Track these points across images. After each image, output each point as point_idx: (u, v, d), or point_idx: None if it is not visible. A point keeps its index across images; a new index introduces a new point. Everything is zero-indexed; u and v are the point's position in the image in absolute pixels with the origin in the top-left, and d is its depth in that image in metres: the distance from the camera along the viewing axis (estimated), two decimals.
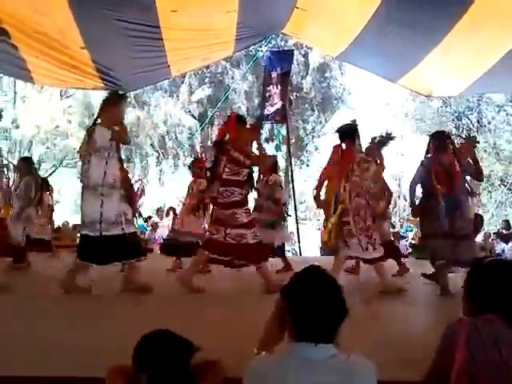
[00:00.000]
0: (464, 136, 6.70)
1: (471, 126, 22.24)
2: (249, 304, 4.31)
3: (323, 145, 22.48)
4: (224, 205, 5.01)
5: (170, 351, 1.76)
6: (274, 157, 7.75)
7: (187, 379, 1.77)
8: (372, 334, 3.18)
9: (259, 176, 6.84)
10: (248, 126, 5.37)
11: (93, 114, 20.12)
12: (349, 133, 5.29)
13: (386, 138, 5.98)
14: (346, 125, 5.44)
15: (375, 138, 6.20)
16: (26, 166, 7.39)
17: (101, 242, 4.61)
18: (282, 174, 8.29)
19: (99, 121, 4.89)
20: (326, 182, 5.40)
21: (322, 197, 5.42)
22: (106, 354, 2.32)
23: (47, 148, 20.72)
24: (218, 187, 5.08)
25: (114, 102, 4.93)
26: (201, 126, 19.11)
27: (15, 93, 20.68)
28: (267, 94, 10.45)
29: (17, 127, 19.59)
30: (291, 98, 18.43)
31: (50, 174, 19.60)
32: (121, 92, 5.17)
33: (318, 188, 5.46)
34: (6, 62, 8.13)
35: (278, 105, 10.29)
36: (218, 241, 4.97)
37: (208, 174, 5.42)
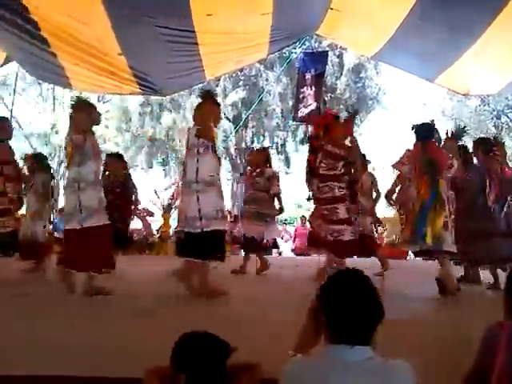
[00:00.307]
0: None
1: (511, 124, 21.69)
2: (279, 303, 4.33)
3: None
4: (324, 200, 5.12)
5: (207, 351, 1.78)
6: (266, 149, 7.81)
7: (224, 380, 1.79)
8: (408, 337, 3.16)
9: (252, 168, 6.98)
10: (342, 121, 5.49)
11: (130, 119, 20.58)
12: (430, 132, 5.34)
13: (461, 131, 5.90)
14: (424, 124, 5.45)
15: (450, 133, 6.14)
16: (38, 162, 7.29)
17: (201, 237, 4.63)
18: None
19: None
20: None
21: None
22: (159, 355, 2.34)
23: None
24: (317, 184, 5.21)
25: (208, 102, 5.02)
26: (235, 128, 19.20)
27: (54, 98, 21.19)
28: (301, 96, 10.44)
29: (56, 132, 20.06)
30: (325, 99, 18.37)
31: None
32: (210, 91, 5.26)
33: (394, 186, 5.67)
34: (45, 70, 8.36)
35: (312, 106, 10.26)
36: (319, 236, 5.15)
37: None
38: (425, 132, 5.32)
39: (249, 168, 7.29)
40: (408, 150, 5.35)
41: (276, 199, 6.84)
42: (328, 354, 1.66)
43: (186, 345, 1.80)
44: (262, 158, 7.05)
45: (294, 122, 12.30)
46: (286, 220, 19.32)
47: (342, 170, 5.26)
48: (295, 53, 10.63)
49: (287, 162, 22.02)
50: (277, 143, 21.77)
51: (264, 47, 8.18)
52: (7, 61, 8.59)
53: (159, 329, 3.10)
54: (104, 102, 21.14)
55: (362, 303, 1.63)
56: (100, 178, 6.34)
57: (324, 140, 5.30)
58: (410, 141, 5.67)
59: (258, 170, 6.88)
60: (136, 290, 5.11)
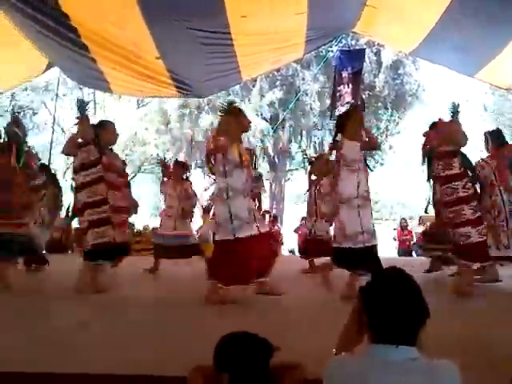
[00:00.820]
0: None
1: None
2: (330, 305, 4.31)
3: (398, 144, 21.96)
4: (449, 203, 5.09)
5: (250, 351, 1.79)
6: (252, 150, 7.81)
7: (266, 380, 1.79)
8: (453, 335, 3.10)
9: None
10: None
11: (169, 121, 20.87)
12: (503, 137, 5.85)
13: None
14: (496, 130, 6.05)
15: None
16: (45, 174, 7.21)
17: (359, 253, 4.69)
18: None
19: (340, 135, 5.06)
20: None
21: None
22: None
23: (126, 155, 21.53)
24: (438, 187, 5.23)
25: (356, 115, 5.10)
26: (273, 128, 19.21)
27: (95, 103, 21.67)
28: (338, 94, 10.37)
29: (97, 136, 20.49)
30: (363, 96, 18.18)
31: (131, 179, 20.32)
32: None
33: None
34: (85, 75, 8.56)
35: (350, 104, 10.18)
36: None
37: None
38: (499, 138, 5.84)
39: None
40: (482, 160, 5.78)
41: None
42: (369, 354, 1.66)
43: (229, 345, 1.81)
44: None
45: (332, 121, 12.23)
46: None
47: (462, 169, 5.16)
48: (332, 51, 10.56)
49: None
50: (314, 142, 21.68)
51: (300, 47, 8.16)
52: (49, 67, 8.82)
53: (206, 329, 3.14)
54: (143, 106, 21.48)
55: (404, 303, 1.61)
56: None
57: (438, 140, 5.26)
58: None
59: None
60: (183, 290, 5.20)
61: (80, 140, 5.42)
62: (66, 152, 5.56)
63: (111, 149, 5.78)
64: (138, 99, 19.98)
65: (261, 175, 7.03)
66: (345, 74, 10.19)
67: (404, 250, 14.55)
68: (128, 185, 6.52)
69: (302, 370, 1.96)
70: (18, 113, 22.09)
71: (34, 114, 22.19)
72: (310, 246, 7.01)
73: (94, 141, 5.39)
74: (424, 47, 7.65)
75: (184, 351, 2.65)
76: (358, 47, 14.65)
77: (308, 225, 7.33)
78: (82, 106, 5.51)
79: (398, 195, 29.37)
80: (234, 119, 4.81)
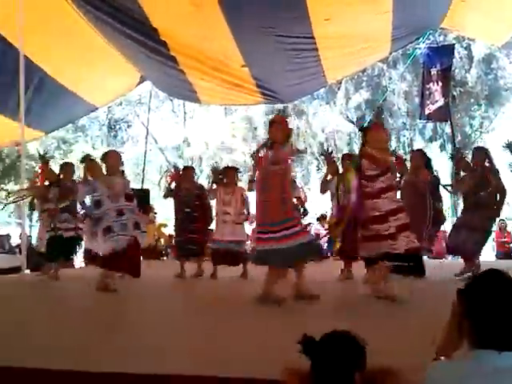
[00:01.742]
0: None
1: None
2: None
3: (492, 141, 20.90)
4: None
5: (345, 353, 1.77)
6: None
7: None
8: None
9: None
10: None
11: (255, 128, 21.18)
12: None
13: None
14: None
15: None
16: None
17: None
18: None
19: None
20: None
21: None
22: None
23: (215, 163, 22.05)
24: None
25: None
26: (360, 130, 18.97)
27: (185, 113, 22.41)
28: (427, 92, 10.06)
29: (188, 145, 21.18)
30: (454, 93, 17.49)
31: None
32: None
33: None
34: (175, 86, 8.93)
35: (440, 102, 9.84)
36: None
37: None
38: None
39: None
40: None
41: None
42: (473, 360, 1.59)
43: (324, 345, 1.79)
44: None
45: (421, 120, 11.89)
46: None
47: None
48: (419, 48, 10.26)
49: None
50: (403, 143, 21.13)
51: (386, 46, 8.04)
52: (142, 80, 9.28)
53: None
54: (230, 114, 21.93)
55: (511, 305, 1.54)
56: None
57: None
58: None
59: None
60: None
61: None
62: None
63: None
64: (226, 108, 20.42)
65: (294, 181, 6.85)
66: (434, 72, 9.87)
67: (503, 253, 13.80)
68: None
69: (397, 376, 1.92)
70: (114, 126, 23.41)
71: (129, 126, 23.31)
72: None
73: None
74: None
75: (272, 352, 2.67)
76: (446, 43, 14.15)
77: None
78: None
79: None
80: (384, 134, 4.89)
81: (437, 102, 9.86)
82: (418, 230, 5.27)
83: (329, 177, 6.31)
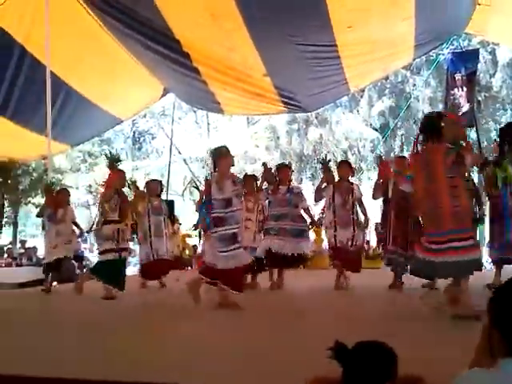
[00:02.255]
0: None
1: None
2: None
3: None
4: None
5: (377, 362, 1.75)
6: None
7: None
8: None
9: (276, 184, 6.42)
10: None
11: (278, 137, 21.22)
12: None
13: None
14: None
15: None
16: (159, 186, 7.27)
17: None
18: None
19: None
20: None
21: None
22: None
23: (238, 173, 22.10)
24: None
25: None
26: (383, 137, 18.82)
27: (208, 124, 22.57)
28: (452, 98, 9.96)
29: None
30: (479, 98, 17.28)
31: None
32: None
33: None
34: (198, 97, 9.00)
35: (465, 108, 9.72)
36: None
37: None
38: None
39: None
40: None
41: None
42: (503, 369, 1.55)
43: (358, 353, 1.77)
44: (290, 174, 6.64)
45: None
46: None
47: None
48: (443, 54, 10.17)
49: None
50: None
51: (409, 52, 7.99)
52: (165, 93, 9.37)
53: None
54: (253, 124, 22.01)
55: None
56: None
57: None
58: None
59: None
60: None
61: None
62: None
63: None
64: (248, 118, 20.51)
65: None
66: (458, 77, 9.76)
67: None
68: None
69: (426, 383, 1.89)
70: (139, 138, 23.69)
71: (153, 138, 23.54)
72: None
73: None
74: None
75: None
76: (470, 47, 14.01)
77: None
78: None
79: None
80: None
81: (462, 107, 9.74)
82: None
83: (323, 185, 6.19)
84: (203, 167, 21.70)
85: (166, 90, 9.14)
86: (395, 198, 5.52)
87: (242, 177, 6.97)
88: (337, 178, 6.16)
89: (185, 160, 21.01)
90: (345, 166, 6.26)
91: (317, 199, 6.32)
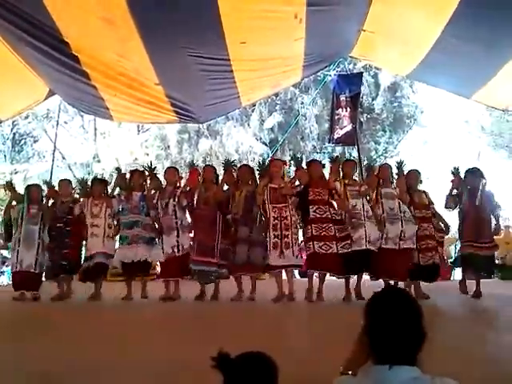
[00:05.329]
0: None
1: None
2: None
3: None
4: None
5: (259, 373, 1.75)
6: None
7: None
8: (458, 355, 3.09)
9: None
10: None
11: (168, 147, 21.00)
12: None
13: None
14: None
15: None
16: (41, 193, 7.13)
17: None
18: None
19: None
20: None
21: None
22: None
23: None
24: None
25: None
26: (272, 151, 19.29)
27: (95, 129, 21.81)
28: (336, 118, 10.40)
29: (98, 161, 20.58)
30: (361, 119, 18.30)
31: None
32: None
33: None
34: (86, 102, 8.66)
35: (348, 127, 10.20)
36: None
37: None
38: None
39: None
40: None
41: None
42: (369, 375, 1.64)
43: (241, 363, 1.76)
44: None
45: (330, 144, 12.33)
46: None
47: None
48: (329, 75, 10.65)
49: None
50: None
51: (298, 71, 8.27)
52: (50, 94, 8.91)
53: None
54: (143, 132, 21.61)
55: (402, 323, 1.60)
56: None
57: None
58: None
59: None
60: None
61: None
62: None
63: None
64: (139, 125, 20.12)
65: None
66: (343, 98, 10.23)
67: None
68: None
69: None
70: (19, 140, 22.34)
71: (35, 141, 22.32)
72: None
73: None
74: (420, 70, 7.76)
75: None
76: (355, 71, 14.81)
77: None
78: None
79: None
80: None
81: (345, 127, 10.22)
82: None
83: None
84: (89, 173, 20.95)
85: (50, 91, 8.69)
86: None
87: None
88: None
89: (69, 165, 20.18)
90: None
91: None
